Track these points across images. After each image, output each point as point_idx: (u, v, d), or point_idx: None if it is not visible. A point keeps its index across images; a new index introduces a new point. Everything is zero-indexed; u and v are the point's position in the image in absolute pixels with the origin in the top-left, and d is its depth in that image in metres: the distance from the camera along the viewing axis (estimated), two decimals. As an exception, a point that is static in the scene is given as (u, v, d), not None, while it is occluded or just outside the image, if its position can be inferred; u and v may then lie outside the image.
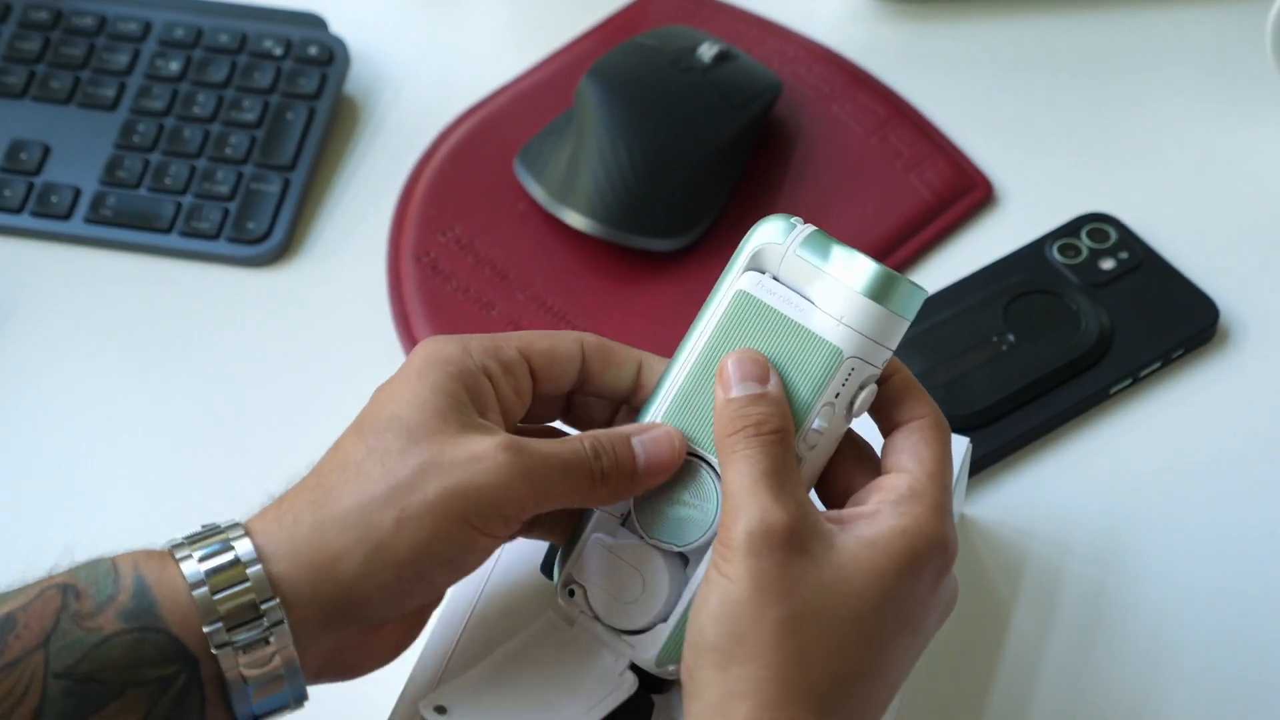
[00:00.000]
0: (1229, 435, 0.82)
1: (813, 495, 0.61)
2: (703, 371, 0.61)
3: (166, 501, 0.81)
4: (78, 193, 0.91)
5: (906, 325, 0.60)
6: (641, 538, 0.61)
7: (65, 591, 0.56)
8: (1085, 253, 0.86)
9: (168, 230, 0.90)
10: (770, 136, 0.92)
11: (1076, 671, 0.74)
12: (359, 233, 0.91)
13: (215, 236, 0.89)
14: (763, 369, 0.60)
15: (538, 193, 0.88)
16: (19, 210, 0.90)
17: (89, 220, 0.90)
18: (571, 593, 0.62)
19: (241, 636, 0.56)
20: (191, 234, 0.89)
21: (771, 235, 0.61)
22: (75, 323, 0.88)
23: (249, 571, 0.56)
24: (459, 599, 0.67)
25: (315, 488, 0.58)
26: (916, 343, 0.82)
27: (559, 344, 0.62)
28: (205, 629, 0.56)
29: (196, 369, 0.86)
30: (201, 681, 0.56)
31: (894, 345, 0.60)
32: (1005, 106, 0.95)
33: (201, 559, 0.56)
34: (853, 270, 0.59)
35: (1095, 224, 0.88)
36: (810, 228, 0.61)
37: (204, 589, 0.56)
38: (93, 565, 0.57)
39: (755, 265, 0.61)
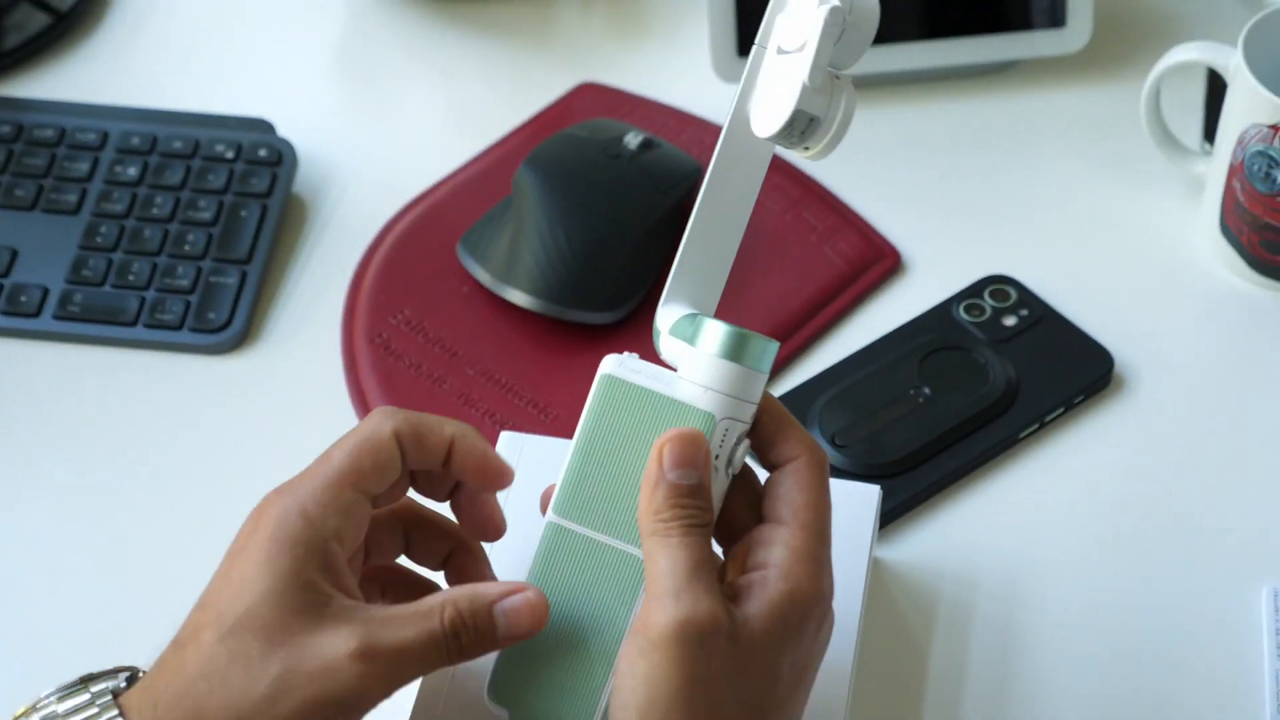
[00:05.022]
0: (1125, 474, 0.86)
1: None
2: (586, 463, 0.63)
3: (137, 584, 0.83)
4: (46, 292, 0.93)
5: (765, 378, 0.62)
6: None
7: None
8: (989, 311, 0.91)
9: (133, 323, 0.92)
10: (694, 216, 0.98)
11: (995, 699, 0.77)
12: (314, 318, 0.94)
13: (178, 327, 0.92)
14: (704, 460, 0.61)
15: (481, 274, 0.92)
16: (-11, 310, 0.93)
17: (57, 317, 0.92)
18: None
19: None
20: (156, 325, 0.92)
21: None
22: (47, 414, 0.90)
23: None
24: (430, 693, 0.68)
25: (185, 694, 0.59)
26: (840, 398, 0.87)
27: (379, 454, 0.63)
28: None
29: (164, 453, 0.88)
30: None
31: (757, 399, 0.62)
32: (907, 182, 1.00)
33: None
34: (706, 335, 0.62)
35: (996, 285, 0.93)
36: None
37: None
38: None
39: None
